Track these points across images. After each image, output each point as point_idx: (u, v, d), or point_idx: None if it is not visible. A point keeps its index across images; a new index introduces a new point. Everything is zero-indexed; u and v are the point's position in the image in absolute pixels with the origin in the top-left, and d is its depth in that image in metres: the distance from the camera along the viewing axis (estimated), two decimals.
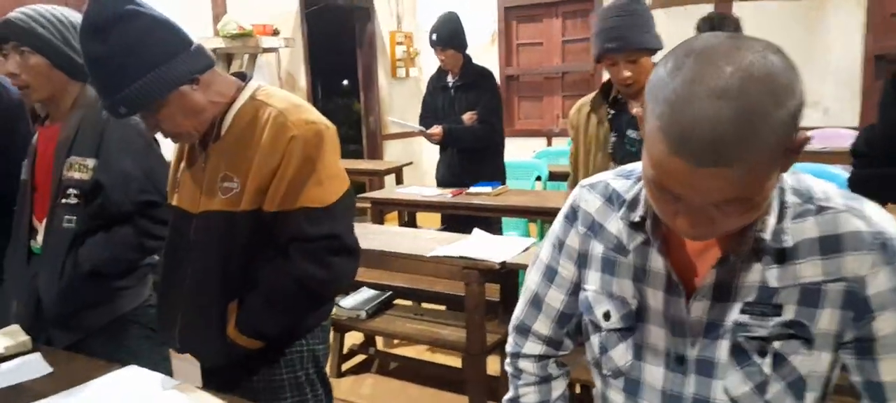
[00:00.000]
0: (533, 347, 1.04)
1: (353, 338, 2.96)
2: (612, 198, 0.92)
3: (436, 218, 3.78)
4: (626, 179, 0.92)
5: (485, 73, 3.52)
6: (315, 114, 1.31)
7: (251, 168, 1.26)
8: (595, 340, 0.94)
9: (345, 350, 2.88)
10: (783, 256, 0.78)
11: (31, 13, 1.61)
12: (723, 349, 0.82)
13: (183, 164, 1.42)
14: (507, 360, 1.08)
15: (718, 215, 0.69)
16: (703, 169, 0.63)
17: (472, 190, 3.14)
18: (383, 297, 2.39)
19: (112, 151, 1.62)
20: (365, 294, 2.54)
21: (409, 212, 3.75)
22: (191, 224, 1.35)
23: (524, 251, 2.03)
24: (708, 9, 5.11)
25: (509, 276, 2.11)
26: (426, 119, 3.52)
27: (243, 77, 1.38)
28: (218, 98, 1.30)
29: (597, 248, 0.93)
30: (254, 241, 1.30)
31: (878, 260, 0.75)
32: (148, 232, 1.66)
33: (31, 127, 1.86)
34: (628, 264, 0.89)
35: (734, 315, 0.81)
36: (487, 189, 3.13)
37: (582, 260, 0.95)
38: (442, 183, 3.50)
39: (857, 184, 1.88)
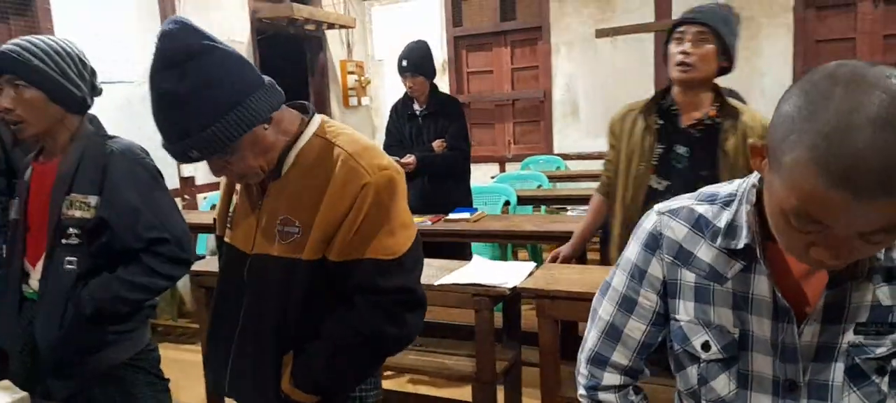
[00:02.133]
0: (612, 378, 1.01)
1: None
2: (699, 224, 0.89)
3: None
4: (711, 204, 0.90)
5: (452, 101, 3.56)
6: (387, 159, 1.21)
7: (316, 212, 1.15)
8: (692, 371, 0.92)
9: None
10: (893, 275, 0.80)
11: (25, 45, 1.51)
12: (838, 371, 0.82)
13: (236, 198, 1.32)
14: (582, 394, 1.04)
15: (862, 244, 0.68)
16: (865, 200, 0.62)
17: (452, 216, 3.15)
18: None
19: (117, 187, 1.53)
20: None
21: None
22: (245, 264, 1.25)
23: (529, 275, 2.04)
24: (646, 38, 5.40)
25: (514, 302, 2.12)
26: (392, 147, 3.51)
27: (304, 109, 1.27)
28: (284, 135, 1.19)
29: (687, 276, 0.90)
30: (314, 291, 1.19)
31: None
32: (156, 271, 1.57)
33: (13, 159, 1.73)
34: (726, 292, 0.87)
35: (848, 336, 0.81)
36: (466, 215, 3.14)
37: (669, 290, 0.92)
38: (414, 210, 3.47)
39: None
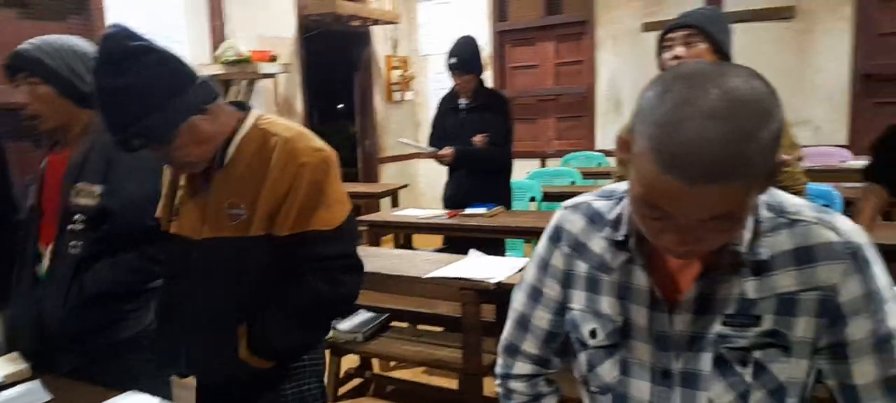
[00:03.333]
0: (522, 367, 1.06)
1: (349, 362, 2.97)
2: (594, 218, 0.95)
3: (435, 240, 3.81)
4: (607, 199, 0.95)
5: (498, 96, 3.54)
6: (321, 142, 1.37)
7: (260, 194, 1.30)
8: (582, 358, 0.97)
9: (341, 374, 2.89)
10: (760, 268, 0.82)
11: (38, 43, 1.65)
12: (706, 361, 0.85)
13: (180, 193, 1.45)
14: (497, 381, 1.09)
15: (704, 232, 0.72)
16: (695, 186, 0.66)
17: (469, 211, 3.18)
18: (380, 319, 2.42)
19: (120, 177, 1.66)
20: (361, 316, 2.56)
21: (405, 235, 3.78)
22: (193, 250, 1.38)
23: (519, 271, 2.06)
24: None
25: (505, 296, 2.14)
26: (435, 140, 3.53)
27: (242, 106, 1.42)
28: (222, 127, 1.34)
29: (581, 267, 0.96)
30: (263, 265, 1.34)
31: (849, 269, 0.80)
32: (153, 258, 1.69)
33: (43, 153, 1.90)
34: (612, 282, 0.92)
35: (716, 327, 0.84)
36: (483, 210, 3.16)
37: (567, 280, 0.98)
38: (450, 204, 3.49)
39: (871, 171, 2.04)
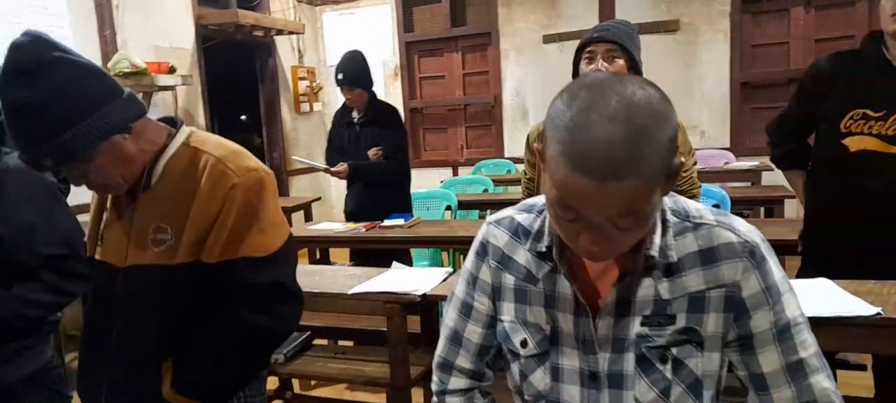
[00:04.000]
0: (457, 382, 1.06)
1: (268, 384, 2.86)
2: (518, 232, 0.97)
3: (344, 253, 3.79)
4: (529, 213, 0.98)
5: (389, 110, 3.58)
6: (255, 161, 1.26)
7: (187, 218, 1.19)
8: (515, 368, 0.98)
9: None
10: (671, 270, 0.88)
11: None
12: (629, 361, 0.90)
13: (106, 216, 1.32)
14: (434, 399, 1.10)
15: (615, 232, 0.76)
16: (601, 184, 0.71)
17: (386, 223, 3.17)
18: (302, 338, 2.35)
19: (13, 202, 1.52)
20: None
21: (321, 249, 3.72)
22: (116, 278, 1.26)
23: (443, 281, 2.08)
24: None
25: (429, 308, 2.15)
26: (332, 155, 3.55)
27: (173, 122, 1.31)
28: (148, 146, 1.22)
29: (508, 280, 0.98)
30: (190, 295, 1.22)
31: (749, 266, 0.87)
32: (56, 288, 1.56)
33: None
34: (538, 292, 0.95)
35: (635, 328, 0.89)
36: (401, 221, 3.17)
37: (495, 293, 1.00)
38: (351, 217, 3.52)
39: (777, 160, 2.20)
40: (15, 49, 1.10)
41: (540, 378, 0.96)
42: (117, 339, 1.26)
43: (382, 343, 2.27)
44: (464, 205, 3.97)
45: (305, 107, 6.21)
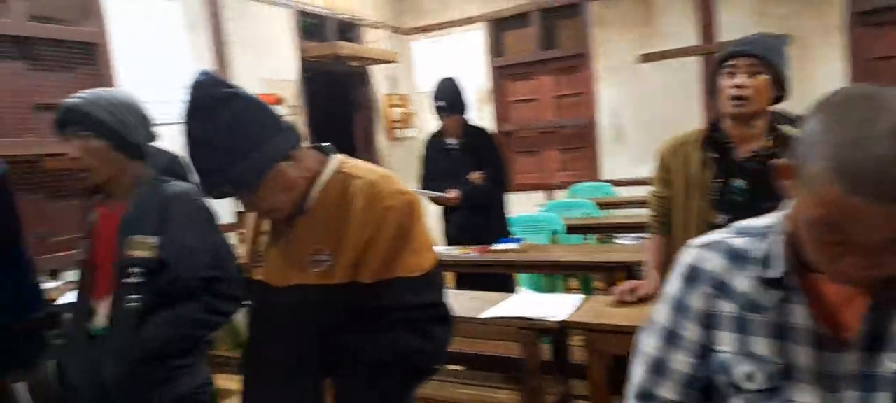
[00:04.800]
0: None
1: None
2: (736, 256, 0.91)
3: (449, 278, 3.77)
4: (747, 236, 0.92)
5: (485, 132, 3.58)
6: (404, 185, 1.31)
7: (344, 240, 1.24)
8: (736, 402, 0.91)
9: None
10: None
11: (90, 97, 1.61)
12: (882, 401, 0.81)
13: (264, 239, 1.40)
14: None
15: (889, 254, 0.71)
16: (881, 205, 0.66)
17: (497, 247, 3.15)
18: None
19: (176, 228, 1.61)
20: None
21: None
22: (278, 298, 1.32)
23: (578, 309, 2.02)
24: (690, 62, 5.33)
25: (562, 335, 2.10)
26: (428, 181, 3.55)
27: (324, 150, 1.37)
28: (306, 173, 1.30)
29: (725, 308, 0.91)
30: (347, 315, 1.27)
31: None
32: (214, 309, 1.63)
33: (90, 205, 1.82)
34: (764, 322, 0.88)
35: (892, 365, 0.81)
36: (513, 245, 3.13)
37: (709, 321, 0.93)
38: (453, 241, 3.50)
39: None
40: (195, 87, 1.20)
41: None
42: (282, 357, 1.31)
43: (506, 370, 2.23)
44: (572, 229, 3.89)
45: (399, 133, 6.33)
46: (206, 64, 4.45)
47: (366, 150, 6.10)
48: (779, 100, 1.85)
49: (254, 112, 1.21)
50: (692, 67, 5.34)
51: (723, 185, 1.85)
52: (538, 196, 5.95)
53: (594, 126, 5.87)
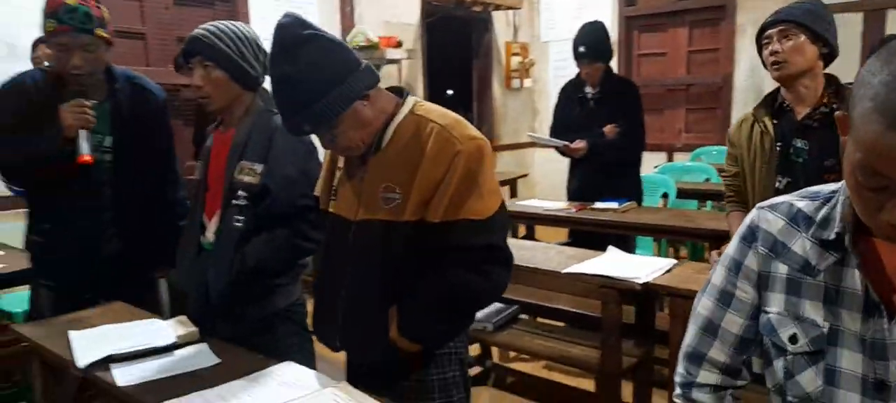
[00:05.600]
0: (708, 376, 0.99)
1: (470, 350, 2.94)
2: (796, 218, 0.90)
3: (555, 232, 3.71)
4: (811, 200, 0.90)
5: (628, 84, 3.37)
6: (476, 130, 1.35)
7: (414, 179, 1.30)
8: (779, 364, 0.91)
9: None
10: None
11: (213, 30, 1.73)
12: None
13: (339, 174, 1.48)
14: (677, 392, 1.03)
15: None
16: None
17: (599, 205, 3.05)
18: (510, 310, 2.38)
19: (279, 158, 1.72)
20: (490, 306, 2.51)
21: (527, 226, 3.70)
22: (349, 231, 1.41)
23: (666, 272, 1.94)
24: (855, 18, 4.71)
25: (647, 298, 2.03)
26: (558, 131, 3.38)
27: (400, 92, 1.42)
28: (381, 113, 1.36)
29: (780, 269, 0.90)
30: (414, 249, 1.34)
31: None
32: (304, 235, 1.75)
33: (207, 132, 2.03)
34: (817, 285, 0.86)
35: None
36: (614, 205, 3.02)
37: (762, 282, 0.92)
38: (574, 196, 3.35)
39: None
40: (278, 29, 1.27)
41: (810, 379, 0.87)
42: (350, 285, 1.41)
43: (586, 327, 2.21)
44: (683, 194, 3.68)
45: (516, 83, 6.25)
46: (331, 4, 4.64)
47: (480, 99, 6.10)
48: (828, 57, 1.90)
49: (334, 52, 1.28)
50: (854, 23, 4.73)
51: (783, 149, 1.92)
52: (659, 157, 5.65)
53: (730, 85, 5.41)
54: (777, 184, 1.93)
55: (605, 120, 3.22)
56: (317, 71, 1.25)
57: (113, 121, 2.03)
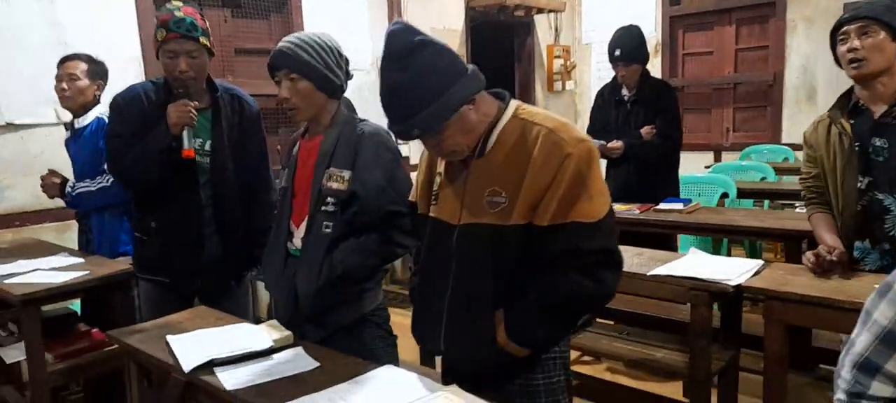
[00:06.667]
0: (882, 388, 0.94)
1: None
2: None
3: None
4: None
5: (665, 87, 3.37)
6: (583, 133, 1.34)
7: (521, 183, 1.29)
8: None
9: None
10: None
11: (296, 42, 1.76)
12: None
13: (439, 178, 1.47)
14: (842, 398, 0.98)
15: None
16: None
17: (662, 206, 3.01)
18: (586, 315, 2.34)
19: (366, 164, 1.74)
20: None
21: None
22: (452, 235, 1.40)
23: (755, 274, 1.89)
24: None
25: (734, 301, 1.98)
26: (596, 133, 3.39)
27: (501, 96, 1.41)
28: (485, 117, 1.35)
29: None
30: (521, 254, 1.33)
31: None
32: (392, 240, 1.76)
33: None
34: None
35: None
36: (679, 205, 2.98)
37: None
38: (616, 197, 3.36)
39: None
40: (389, 36, 1.28)
41: None
42: (455, 289, 1.39)
43: (666, 330, 2.17)
44: (744, 194, 3.61)
45: (558, 85, 6.21)
46: (380, 11, 4.67)
47: (524, 102, 6.07)
48: None
49: (443, 58, 1.28)
50: None
51: (861, 148, 1.89)
52: (706, 157, 5.56)
53: (780, 83, 5.30)
54: (859, 184, 1.90)
55: (642, 122, 3.24)
56: (427, 77, 1.25)
57: (213, 127, 2.19)
